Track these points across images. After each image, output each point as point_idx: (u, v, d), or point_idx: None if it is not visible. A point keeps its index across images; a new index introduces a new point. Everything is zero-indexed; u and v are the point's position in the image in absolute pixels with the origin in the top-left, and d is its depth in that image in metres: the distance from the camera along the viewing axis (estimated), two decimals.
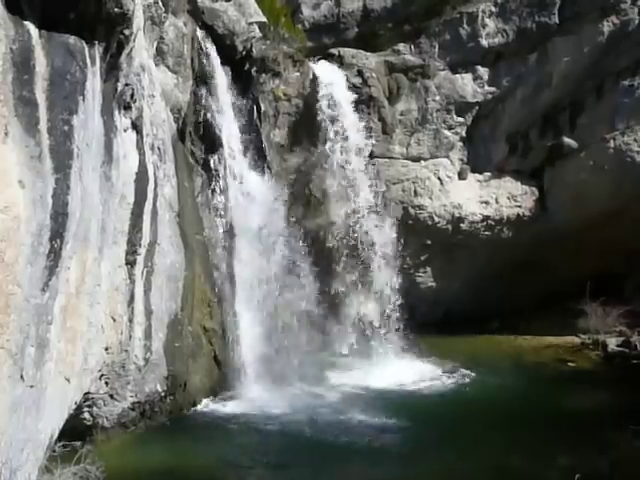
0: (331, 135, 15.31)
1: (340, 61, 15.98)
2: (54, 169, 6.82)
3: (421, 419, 11.34)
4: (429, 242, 17.24)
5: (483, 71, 16.52)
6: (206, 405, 12.20)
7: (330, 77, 15.58)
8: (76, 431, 9.35)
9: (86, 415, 10.18)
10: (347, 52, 16.06)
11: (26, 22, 6.68)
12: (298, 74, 15.51)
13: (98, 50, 8.00)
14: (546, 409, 11.73)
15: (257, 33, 14.54)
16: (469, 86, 16.57)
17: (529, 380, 13.72)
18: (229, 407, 12.15)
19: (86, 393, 9.66)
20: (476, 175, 17.24)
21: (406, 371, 14.07)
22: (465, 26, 16.21)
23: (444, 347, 15.45)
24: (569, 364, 15.13)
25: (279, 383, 13.03)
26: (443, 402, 12.62)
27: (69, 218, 7.10)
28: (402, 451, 10.25)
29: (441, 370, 14.45)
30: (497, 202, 17.23)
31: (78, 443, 8.53)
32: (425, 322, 15.45)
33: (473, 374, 14.13)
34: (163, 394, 11.30)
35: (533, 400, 12.33)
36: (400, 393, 12.98)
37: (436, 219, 16.95)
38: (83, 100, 7.35)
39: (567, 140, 16.81)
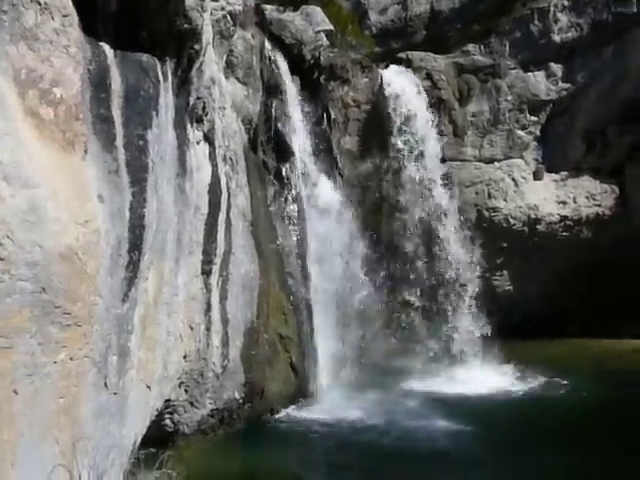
0: (402, 140, 15.24)
1: (409, 65, 15.90)
2: (130, 183, 7.03)
3: (500, 427, 11.07)
4: (505, 245, 16.90)
5: (556, 68, 16.09)
6: (283, 412, 12.28)
7: (399, 82, 15.52)
8: (158, 437, 9.58)
9: (167, 422, 10.41)
10: (415, 55, 15.97)
11: (101, 43, 6.93)
12: (367, 80, 15.54)
13: (169, 66, 8.22)
14: (629, 417, 11.25)
15: (325, 41, 14.64)
16: (542, 84, 16.18)
17: (611, 386, 13.17)
18: (306, 414, 12.19)
19: (167, 400, 9.88)
20: (552, 175, 16.78)
21: (484, 377, 13.82)
22: (536, 22, 15.84)
23: (522, 352, 15.08)
24: None
25: (356, 390, 13.02)
26: (521, 409, 12.30)
27: (146, 230, 7.30)
28: (480, 459, 10.01)
29: (519, 376, 14.10)
30: (575, 202, 16.73)
31: (160, 449, 8.74)
32: (502, 326, 15.09)
33: (552, 380, 13.70)
34: (241, 401, 11.44)
35: (616, 407, 11.84)
36: (479, 400, 12.72)
37: (511, 221, 16.62)
38: (157, 115, 7.56)
39: None
